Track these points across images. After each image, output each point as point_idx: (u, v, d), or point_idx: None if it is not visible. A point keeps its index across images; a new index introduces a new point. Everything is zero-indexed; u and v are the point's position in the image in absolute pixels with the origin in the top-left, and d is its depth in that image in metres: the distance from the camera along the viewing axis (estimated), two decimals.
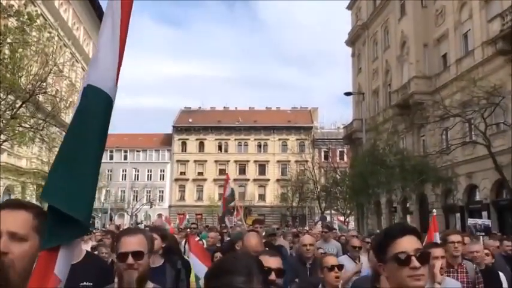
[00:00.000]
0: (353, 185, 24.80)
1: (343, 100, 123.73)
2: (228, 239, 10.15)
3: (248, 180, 61.48)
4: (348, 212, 36.88)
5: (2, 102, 17.55)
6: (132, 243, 2.45)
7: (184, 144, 63.72)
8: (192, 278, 5.30)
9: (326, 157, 50.55)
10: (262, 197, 60.90)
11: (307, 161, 45.61)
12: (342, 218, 37.52)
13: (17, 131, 17.53)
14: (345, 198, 33.73)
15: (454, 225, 25.36)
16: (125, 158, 61.37)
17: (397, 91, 30.64)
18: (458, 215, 25.03)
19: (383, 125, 30.97)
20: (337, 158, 45.43)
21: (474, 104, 18.54)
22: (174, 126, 64.11)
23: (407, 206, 27.10)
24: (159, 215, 28.00)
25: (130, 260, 2.38)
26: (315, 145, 57.69)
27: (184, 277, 4.23)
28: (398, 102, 29.67)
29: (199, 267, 6.15)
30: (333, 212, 39.97)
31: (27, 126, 18.58)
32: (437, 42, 27.98)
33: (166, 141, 64.41)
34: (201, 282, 5.17)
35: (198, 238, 10.23)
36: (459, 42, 25.49)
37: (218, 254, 5.60)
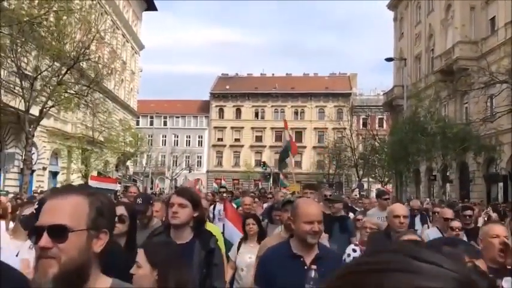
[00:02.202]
0: (392, 153, 24.52)
1: (384, 66, 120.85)
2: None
3: None
4: (386, 180, 36.62)
5: (49, 69, 18.21)
6: (52, 211, 1.37)
7: (221, 110, 64.18)
8: (220, 243, 4.72)
9: (365, 124, 49.85)
10: (298, 164, 60.91)
11: (345, 128, 45.15)
12: (379, 186, 37.32)
13: (63, 97, 18.18)
14: (383, 166, 33.45)
15: (496, 195, 24.84)
16: (165, 124, 62.54)
17: (440, 56, 29.69)
18: (501, 184, 24.47)
19: (425, 91, 30.20)
20: (376, 125, 44.68)
21: None
22: (211, 93, 64.50)
23: (447, 174, 26.64)
24: (197, 180, 28.53)
25: (44, 240, 1.31)
26: (353, 112, 56.83)
27: (219, 261, 3.07)
28: (442, 68, 28.78)
29: (232, 232, 5.90)
30: (370, 179, 39.77)
31: (73, 92, 19.24)
32: (485, 5, 26.72)
33: (204, 108, 65.05)
34: (233, 250, 5.04)
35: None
36: (509, 4, 24.23)
37: (250, 221, 5.10)
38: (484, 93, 21.46)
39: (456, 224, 5.07)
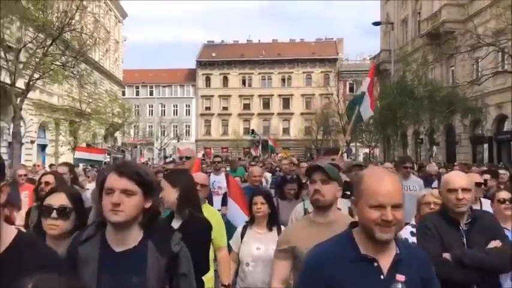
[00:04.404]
0: (380, 117, 24.76)
1: (370, 31, 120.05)
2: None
3: (272, 114, 61.68)
4: (373, 144, 37.05)
5: (33, 41, 17.86)
6: None
7: (208, 79, 63.68)
8: (219, 233, 3.70)
9: (352, 89, 50.01)
10: (286, 130, 61.29)
11: (332, 94, 45.32)
12: (366, 151, 37.80)
13: (50, 69, 17.90)
14: (370, 131, 33.80)
15: (481, 156, 25.40)
16: (151, 93, 61.93)
17: (427, 20, 29.66)
18: (486, 145, 25.01)
19: (412, 55, 30.27)
20: None
21: (509, 31, 17.91)
22: (197, 61, 63.80)
23: (434, 137, 27.09)
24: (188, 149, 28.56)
25: None
26: (340, 77, 56.89)
27: (187, 269, 2.07)
28: (428, 32, 28.83)
29: (237, 215, 4.86)
30: (358, 144, 40.21)
31: (59, 64, 18.94)
32: None
33: (190, 77, 64.42)
34: (236, 237, 3.91)
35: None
36: None
37: (259, 199, 3.79)
38: (471, 56, 21.63)
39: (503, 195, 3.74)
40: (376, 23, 30.69)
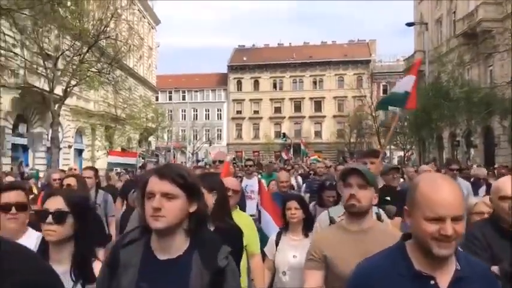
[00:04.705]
0: (415, 120, 24.26)
1: (403, 31, 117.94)
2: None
3: (304, 117, 61.42)
4: (408, 147, 36.36)
5: (70, 49, 18.41)
6: None
7: (239, 83, 64.04)
8: (252, 239, 3.53)
9: (385, 91, 49.19)
10: (318, 133, 60.89)
11: (365, 96, 44.71)
12: (401, 154, 37.08)
13: (87, 76, 18.40)
14: (405, 133, 33.18)
15: None
16: (183, 98, 62.85)
17: (462, 19, 28.92)
18: None
19: (447, 56, 29.57)
20: None
21: None
22: (228, 66, 64.27)
23: (472, 139, 26.34)
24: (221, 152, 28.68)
25: None
26: (373, 79, 56.10)
27: (235, 285, 1.87)
28: (464, 31, 28.07)
29: (269, 225, 4.52)
30: (392, 147, 39.53)
31: (95, 70, 19.45)
32: None
33: (221, 81, 64.97)
34: (270, 244, 3.73)
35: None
36: None
37: (293, 204, 3.63)
38: (510, 56, 20.95)
39: None
40: (409, 24, 30.10)
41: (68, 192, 2.38)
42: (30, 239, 2.52)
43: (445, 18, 33.81)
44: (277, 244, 3.67)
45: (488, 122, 24.64)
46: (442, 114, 23.19)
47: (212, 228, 2.88)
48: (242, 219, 3.49)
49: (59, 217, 2.10)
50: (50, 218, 2.09)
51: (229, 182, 3.68)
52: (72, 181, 4.26)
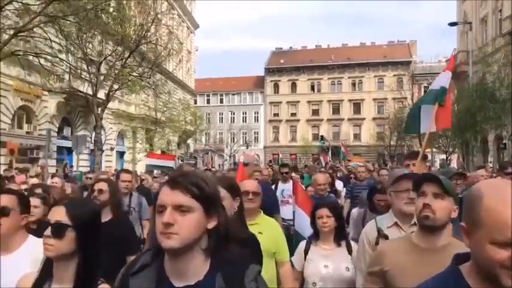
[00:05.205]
0: (458, 122, 23.51)
1: (445, 31, 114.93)
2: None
3: (342, 119, 60.73)
4: (451, 150, 35.30)
5: (113, 54, 18.92)
6: None
7: (276, 85, 64.01)
8: (280, 246, 3.35)
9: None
10: (357, 136, 60.05)
11: (406, 98, 43.76)
12: (443, 157, 36.02)
13: (128, 80, 18.89)
14: (448, 136, 32.23)
15: None
16: (221, 101, 63.48)
17: (509, 18, 27.88)
18: None
19: (492, 56, 28.54)
20: None
21: None
22: (266, 68, 64.36)
23: None
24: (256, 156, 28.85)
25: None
26: (414, 81, 54.84)
27: None
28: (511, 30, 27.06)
29: (305, 224, 4.26)
30: (434, 150, 38.49)
31: (136, 74, 19.91)
32: None
33: (259, 84, 65.15)
34: (298, 253, 3.51)
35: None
36: None
37: (324, 212, 3.43)
38: None
39: None
40: (452, 23, 29.27)
41: (72, 203, 2.01)
42: (29, 249, 2.39)
43: (490, 17, 32.70)
44: (306, 254, 3.45)
45: None
46: (487, 116, 22.41)
47: None
48: (268, 224, 3.30)
49: (57, 230, 1.81)
50: (48, 231, 1.82)
51: (248, 184, 3.39)
52: (103, 186, 3.84)
